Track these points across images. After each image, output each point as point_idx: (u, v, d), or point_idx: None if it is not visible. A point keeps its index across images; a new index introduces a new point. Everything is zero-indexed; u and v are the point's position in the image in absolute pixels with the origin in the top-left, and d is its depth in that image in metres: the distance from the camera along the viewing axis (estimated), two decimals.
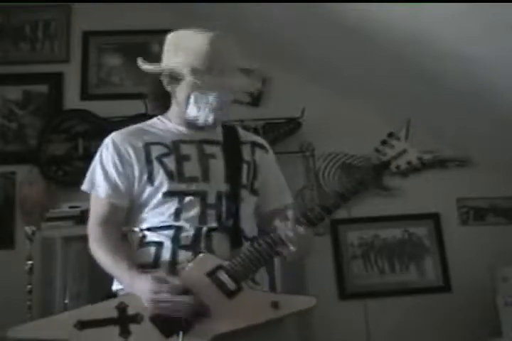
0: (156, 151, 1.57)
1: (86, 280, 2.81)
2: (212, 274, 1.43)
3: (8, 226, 3.18)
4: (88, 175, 1.61)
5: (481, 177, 3.42)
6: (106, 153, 1.59)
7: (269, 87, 3.51)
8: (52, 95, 3.43)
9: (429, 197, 3.37)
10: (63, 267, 2.76)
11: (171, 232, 1.50)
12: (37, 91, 3.44)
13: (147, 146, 1.58)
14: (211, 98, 1.55)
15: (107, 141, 1.62)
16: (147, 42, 3.52)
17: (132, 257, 1.51)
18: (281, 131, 3.32)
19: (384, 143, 1.51)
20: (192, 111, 1.58)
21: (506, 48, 2.50)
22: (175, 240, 1.49)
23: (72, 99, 3.44)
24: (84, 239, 2.85)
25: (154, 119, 1.69)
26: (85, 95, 3.46)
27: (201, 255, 1.45)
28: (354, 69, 3.25)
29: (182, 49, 1.58)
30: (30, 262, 2.74)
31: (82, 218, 2.93)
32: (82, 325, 1.40)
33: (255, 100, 3.49)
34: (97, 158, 1.62)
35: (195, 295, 1.38)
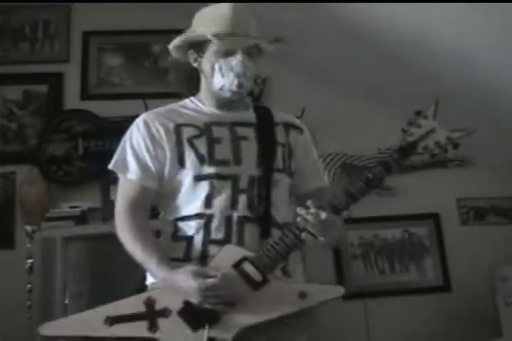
0: (187, 133, 1.55)
1: (86, 280, 2.80)
2: (238, 266, 1.41)
3: (8, 226, 3.18)
4: (117, 154, 1.58)
5: (481, 177, 3.43)
6: (137, 133, 1.57)
7: (269, 87, 3.51)
8: (52, 95, 3.43)
9: (429, 197, 3.37)
10: (63, 267, 2.76)
11: (201, 222, 1.48)
12: (37, 91, 3.43)
13: (178, 128, 1.56)
14: (234, 63, 1.53)
15: (138, 120, 1.60)
16: (147, 42, 3.53)
17: (164, 249, 1.50)
18: None
19: (411, 123, 1.44)
20: (217, 80, 1.56)
21: (506, 48, 2.50)
22: (205, 233, 1.47)
23: (72, 99, 3.44)
24: (84, 239, 2.85)
25: (186, 100, 1.68)
26: (85, 95, 3.46)
27: (227, 246, 1.44)
28: (354, 69, 3.25)
29: (205, 19, 1.59)
30: (30, 261, 2.75)
31: (82, 218, 2.94)
32: (112, 320, 1.40)
33: (255, 100, 3.49)
34: (127, 137, 1.59)
35: (223, 288, 1.37)
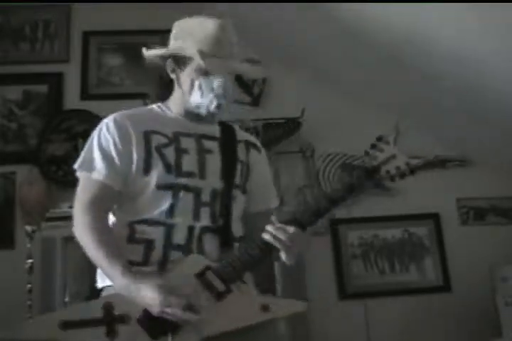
0: (155, 141, 1.53)
1: (86, 280, 2.80)
2: (201, 275, 1.40)
3: (8, 226, 3.18)
4: (83, 153, 1.55)
5: (481, 177, 3.43)
6: (105, 132, 1.54)
7: (269, 87, 3.51)
8: (52, 95, 3.43)
9: (429, 197, 3.37)
10: (63, 267, 2.76)
11: (162, 230, 1.47)
12: (37, 91, 3.44)
13: (147, 134, 1.54)
14: (216, 84, 1.53)
15: (108, 120, 1.57)
16: (147, 43, 3.49)
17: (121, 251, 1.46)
18: (281, 131, 3.32)
19: (373, 146, 1.48)
20: (196, 98, 1.56)
21: (506, 48, 2.50)
22: (167, 239, 1.46)
23: (72, 99, 3.44)
24: None
25: (154, 106, 1.67)
26: (85, 95, 3.46)
27: (191, 256, 1.44)
28: (354, 69, 3.25)
29: (189, 34, 1.58)
30: (30, 260, 2.74)
31: None
32: (67, 325, 1.35)
33: (255, 100, 3.49)
34: (94, 136, 1.56)
35: (183, 296, 1.35)
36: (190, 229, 1.48)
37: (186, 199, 1.49)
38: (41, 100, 3.43)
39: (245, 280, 1.52)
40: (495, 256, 3.22)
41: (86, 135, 3.36)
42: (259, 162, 1.70)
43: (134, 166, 1.51)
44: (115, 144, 1.52)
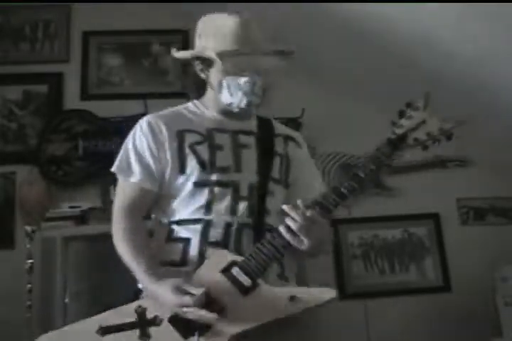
0: (189, 139, 1.54)
1: (86, 280, 2.80)
2: (226, 271, 1.39)
3: (8, 226, 3.18)
4: (120, 156, 1.57)
5: (481, 177, 3.43)
6: (140, 135, 1.56)
7: (269, 87, 3.50)
8: (52, 95, 3.43)
9: (429, 197, 3.37)
10: (63, 267, 2.76)
11: (199, 227, 1.47)
12: (37, 91, 3.44)
13: (181, 133, 1.55)
14: (242, 82, 1.54)
15: (142, 122, 1.59)
16: (147, 42, 3.53)
17: (159, 251, 1.49)
18: None
19: (401, 114, 1.38)
20: (225, 98, 1.56)
21: (506, 48, 2.50)
22: (203, 236, 1.46)
23: (72, 99, 3.44)
24: (84, 239, 2.85)
25: (190, 104, 1.67)
26: (85, 95, 3.46)
27: (215, 251, 1.43)
28: (354, 69, 3.25)
29: (210, 33, 1.58)
30: (30, 261, 2.74)
31: (82, 218, 2.94)
32: (104, 330, 1.39)
33: None
34: (129, 139, 1.58)
35: (212, 294, 1.35)
36: (228, 225, 1.47)
37: (223, 194, 1.49)
38: (41, 100, 3.43)
39: (290, 278, 1.52)
40: (495, 256, 3.22)
41: (86, 135, 3.42)
42: (300, 156, 1.68)
43: (169, 167, 1.52)
44: (149, 147, 1.54)
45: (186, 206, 1.50)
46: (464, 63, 2.73)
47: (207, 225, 1.47)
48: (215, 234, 1.46)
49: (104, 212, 2.86)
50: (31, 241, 2.81)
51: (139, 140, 1.56)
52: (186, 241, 1.48)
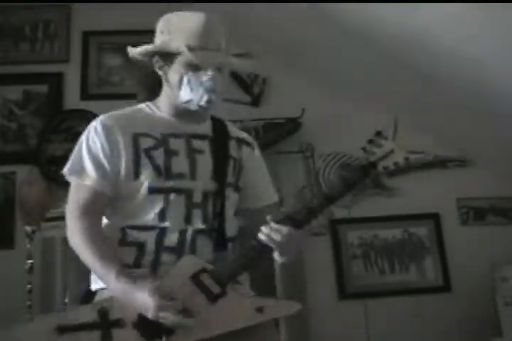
0: (144, 143, 1.51)
1: (86, 280, 2.80)
2: (195, 277, 1.39)
3: (8, 226, 3.18)
4: (72, 158, 1.54)
5: (481, 177, 3.42)
6: (94, 136, 1.52)
7: (269, 87, 3.51)
8: (52, 95, 3.43)
9: (429, 197, 3.37)
10: (63, 267, 2.76)
11: (154, 233, 1.46)
12: (37, 91, 3.44)
13: (136, 137, 1.51)
14: (205, 78, 1.51)
15: (96, 123, 1.54)
16: (147, 43, 3.51)
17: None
18: (281, 131, 3.32)
19: (371, 142, 1.45)
20: (185, 94, 1.53)
21: (506, 48, 2.50)
22: (158, 242, 1.45)
23: (72, 99, 3.44)
24: None
25: (142, 105, 1.64)
26: (85, 95, 3.46)
27: (185, 257, 1.43)
28: (354, 69, 3.25)
29: (176, 28, 1.57)
30: (30, 261, 2.74)
31: None
32: (62, 329, 1.36)
33: (255, 100, 3.49)
34: (83, 140, 1.54)
35: (178, 300, 1.35)
36: (182, 232, 1.47)
37: (177, 201, 1.48)
38: (41, 100, 3.43)
39: (241, 282, 1.51)
40: (495, 256, 3.22)
41: None
42: (253, 159, 1.68)
43: (123, 170, 1.49)
44: (103, 149, 1.50)
45: (141, 211, 1.48)
46: (464, 63, 2.73)
47: (162, 231, 1.46)
48: (170, 239, 1.46)
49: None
50: (31, 242, 2.81)
51: (92, 142, 1.52)
52: (141, 245, 1.46)
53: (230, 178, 1.58)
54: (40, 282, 2.76)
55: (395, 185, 3.36)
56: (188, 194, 1.49)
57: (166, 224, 1.47)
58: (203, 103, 1.53)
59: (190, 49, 1.50)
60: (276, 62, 3.44)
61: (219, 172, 1.55)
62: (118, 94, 3.43)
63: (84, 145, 1.53)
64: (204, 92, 1.51)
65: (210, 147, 1.58)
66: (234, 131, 1.70)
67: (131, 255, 1.46)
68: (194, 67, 1.52)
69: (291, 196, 3.21)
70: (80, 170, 1.51)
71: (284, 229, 1.39)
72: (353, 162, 3.41)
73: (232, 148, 1.63)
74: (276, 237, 1.38)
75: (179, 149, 1.53)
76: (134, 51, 1.67)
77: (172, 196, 1.48)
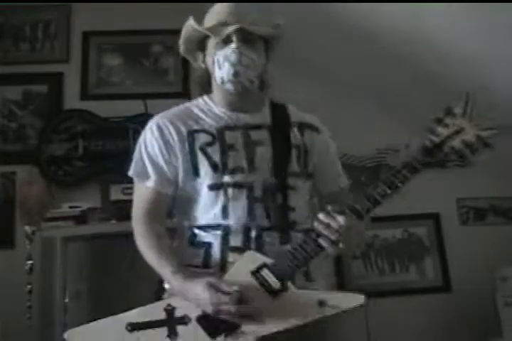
0: (199, 140, 1.52)
1: (86, 280, 2.80)
2: (256, 273, 1.38)
3: (8, 226, 3.18)
4: (135, 160, 1.57)
5: (481, 177, 3.42)
6: (151, 138, 1.55)
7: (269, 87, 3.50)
8: (52, 95, 3.43)
9: (429, 197, 3.36)
10: (63, 267, 2.76)
11: (219, 232, 1.46)
12: (37, 91, 3.43)
13: (191, 134, 1.52)
14: (229, 51, 1.50)
15: (152, 124, 1.57)
16: (147, 42, 3.53)
17: (182, 255, 1.49)
18: None
19: (438, 121, 1.33)
20: (217, 73, 1.53)
21: (506, 48, 2.50)
22: (224, 241, 1.46)
23: (72, 99, 3.44)
24: (84, 239, 2.85)
25: (199, 99, 1.64)
26: (85, 95, 3.46)
27: (247, 252, 1.42)
28: (354, 69, 3.25)
29: (206, 18, 1.60)
30: (30, 262, 2.74)
31: (82, 218, 2.93)
32: (133, 327, 1.41)
33: None
34: (141, 142, 1.57)
35: (241, 295, 1.34)
36: (247, 230, 1.46)
37: (238, 197, 1.47)
38: (41, 100, 3.43)
39: (315, 276, 1.50)
40: (495, 256, 3.22)
41: (86, 135, 3.41)
42: (319, 143, 1.63)
43: (181, 171, 1.51)
44: (161, 151, 1.53)
45: (205, 210, 1.50)
46: (465, 63, 2.73)
47: (226, 230, 1.46)
48: (236, 239, 1.46)
49: (104, 212, 2.86)
50: (31, 243, 2.81)
51: (150, 144, 1.54)
52: (208, 245, 1.47)
53: (295, 167, 1.54)
54: (40, 282, 2.75)
55: None
56: (248, 188, 1.48)
57: (230, 221, 1.47)
58: (230, 77, 1.51)
59: (212, 29, 1.52)
60: (276, 62, 3.43)
61: (280, 163, 1.52)
62: (118, 94, 3.44)
63: (143, 148, 1.56)
64: (230, 66, 1.50)
65: (270, 137, 1.55)
66: (296, 115, 1.65)
67: (200, 256, 1.48)
68: (221, 45, 1.52)
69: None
70: (142, 173, 1.54)
71: (341, 217, 1.34)
72: (353, 162, 3.41)
73: (294, 136, 1.59)
74: (334, 225, 1.33)
75: (236, 142, 1.52)
76: (181, 49, 1.66)
77: (232, 191, 1.47)
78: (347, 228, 1.34)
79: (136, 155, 1.57)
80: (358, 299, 1.37)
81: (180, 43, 1.63)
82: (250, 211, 1.46)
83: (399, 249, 3.37)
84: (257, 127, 1.56)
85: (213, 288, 1.34)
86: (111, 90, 3.48)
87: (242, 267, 1.40)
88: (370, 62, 3.12)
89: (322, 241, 1.35)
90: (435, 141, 1.33)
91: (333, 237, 1.34)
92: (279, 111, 1.63)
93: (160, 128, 1.54)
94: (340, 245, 1.34)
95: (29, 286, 2.74)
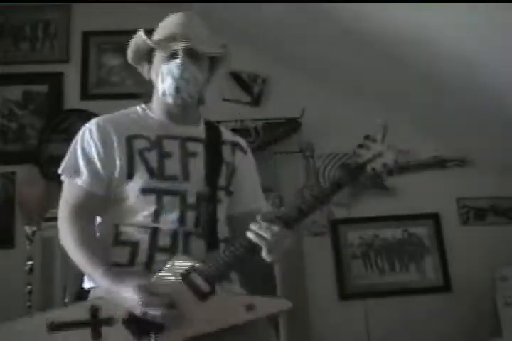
0: (138, 145, 1.53)
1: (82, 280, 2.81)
2: (186, 276, 1.40)
3: (8, 226, 3.18)
4: (67, 158, 1.55)
5: (481, 177, 3.42)
6: (89, 137, 1.54)
7: (269, 87, 3.51)
8: (52, 95, 3.44)
9: (429, 197, 3.37)
10: (63, 267, 2.76)
11: (147, 233, 1.47)
12: (37, 91, 3.44)
13: (130, 139, 1.53)
14: (173, 65, 1.53)
15: (91, 124, 1.57)
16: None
17: (106, 253, 1.48)
18: (281, 131, 3.32)
19: (360, 146, 1.49)
20: (159, 86, 1.56)
21: (506, 48, 2.50)
22: (152, 242, 1.46)
23: (72, 99, 3.44)
24: None
25: (138, 107, 1.66)
26: (85, 95, 3.46)
27: (176, 256, 1.43)
28: (354, 69, 3.25)
29: (157, 29, 1.65)
30: (30, 262, 2.74)
31: None
32: (54, 326, 1.38)
33: (255, 100, 3.50)
34: (78, 141, 1.57)
35: (170, 298, 1.36)
36: (175, 233, 1.47)
37: (171, 203, 1.49)
38: (41, 100, 3.43)
39: (231, 280, 1.52)
40: (495, 256, 3.22)
41: None
42: (245, 163, 1.68)
43: (116, 171, 1.51)
44: (98, 150, 1.52)
45: (134, 212, 1.49)
46: (465, 63, 2.73)
47: (155, 232, 1.47)
48: (164, 240, 1.46)
49: None
50: (31, 242, 2.81)
51: (87, 143, 1.54)
52: (135, 244, 1.47)
53: (222, 182, 1.58)
54: (40, 282, 2.76)
55: (395, 185, 3.36)
56: (182, 195, 1.50)
57: (159, 224, 1.48)
58: (171, 91, 1.54)
59: (159, 42, 1.57)
60: (276, 62, 3.44)
61: (211, 176, 1.55)
62: (118, 94, 3.43)
63: (78, 146, 1.55)
64: (172, 80, 1.54)
65: (204, 150, 1.58)
66: (227, 134, 1.70)
67: (125, 254, 1.47)
68: (167, 60, 1.55)
69: (291, 196, 3.21)
70: (73, 170, 1.52)
71: (274, 227, 1.38)
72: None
73: (226, 152, 1.63)
74: (266, 235, 1.38)
75: (173, 151, 1.54)
76: (129, 59, 1.73)
77: (166, 198, 1.49)
78: (278, 236, 1.38)
79: (68, 154, 1.56)
80: (285, 304, 1.42)
81: (128, 53, 1.70)
82: (182, 217, 1.48)
83: (399, 249, 3.37)
84: (194, 140, 1.59)
85: (142, 290, 1.35)
86: (111, 90, 3.48)
87: (172, 270, 1.41)
88: (370, 62, 3.12)
89: (257, 250, 1.39)
90: (359, 161, 1.45)
91: (265, 245, 1.38)
92: (212, 128, 1.66)
93: (99, 129, 1.55)
94: (274, 254, 1.40)
95: (29, 286, 2.74)
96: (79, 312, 1.39)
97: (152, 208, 1.48)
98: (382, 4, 2.52)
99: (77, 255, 1.45)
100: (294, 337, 2.93)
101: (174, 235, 1.47)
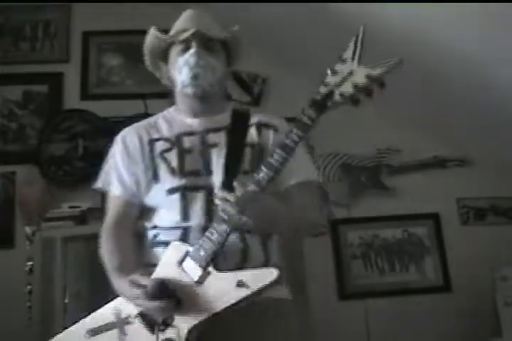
0: (159, 147, 1.57)
1: (86, 280, 2.81)
2: (182, 262, 1.40)
3: (8, 226, 3.18)
4: (102, 171, 1.64)
5: (481, 177, 3.43)
6: (116, 151, 1.63)
7: (269, 87, 3.51)
8: (52, 95, 3.43)
9: (429, 197, 3.37)
10: (63, 267, 2.76)
11: (179, 232, 1.48)
12: (37, 91, 3.44)
13: (151, 143, 1.59)
14: (188, 55, 1.55)
15: (118, 137, 1.65)
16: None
17: (145, 256, 1.52)
18: None
19: (327, 73, 1.24)
20: (177, 79, 1.58)
21: (506, 48, 2.50)
22: (184, 240, 1.47)
23: (72, 99, 3.44)
24: (84, 239, 2.85)
25: (165, 111, 1.70)
26: (85, 95, 3.46)
27: (172, 244, 1.44)
28: None
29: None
30: (30, 263, 2.74)
31: (82, 218, 2.94)
32: (91, 332, 1.47)
33: (255, 100, 3.49)
34: (110, 154, 1.65)
35: (171, 287, 1.37)
36: (205, 229, 1.44)
37: (196, 199, 1.49)
38: (41, 100, 3.43)
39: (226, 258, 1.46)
40: (495, 256, 3.22)
41: (86, 135, 3.40)
42: (277, 139, 1.58)
43: (144, 178, 1.56)
44: (123, 161, 1.60)
45: (165, 213, 1.53)
46: (465, 63, 2.73)
47: (186, 231, 1.48)
48: (194, 237, 1.46)
49: (104, 212, 2.86)
50: (31, 242, 2.81)
51: (114, 156, 1.63)
52: (167, 244, 1.48)
53: (246, 166, 1.51)
54: (40, 282, 2.75)
55: (395, 185, 3.36)
56: (207, 190, 1.50)
57: (189, 223, 1.48)
58: (189, 80, 1.55)
59: (170, 36, 1.59)
60: (276, 62, 3.44)
61: (231, 162, 1.52)
62: (118, 94, 3.44)
63: (110, 160, 1.64)
64: (188, 70, 1.55)
65: (226, 138, 1.56)
66: (257, 117, 1.63)
67: (160, 255, 1.48)
68: (182, 53, 1.57)
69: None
70: (109, 183, 1.61)
71: (239, 190, 1.30)
72: (353, 162, 3.41)
73: (251, 135, 1.58)
74: (231, 198, 1.30)
75: (193, 147, 1.56)
76: (148, 64, 1.73)
77: (190, 194, 1.50)
78: (243, 199, 1.30)
79: (104, 167, 1.65)
80: (272, 273, 1.34)
81: (145, 57, 1.69)
82: (209, 212, 1.47)
83: (399, 249, 3.37)
84: (216, 130, 1.58)
85: (132, 283, 1.38)
86: (111, 90, 3.48)
87: (170, 259, 1.43)
88: (370, 62, 3.12)
89: (223, 216, 1.33)
90: (323, 91, 1.27)
91: (228, 208, 1.31)
92: (239, 114, 1.63)
93: (123, 140, 1.62)
94: (244, 218, 1.31)
95: (29, 286, 2.74)
96: (106, 315, 1.48)
97: (179, 206, 1.50)
98: (382, 4, 2.52)
99: (105, 261, 1.54)
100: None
101: (204, 231, 1.44)
